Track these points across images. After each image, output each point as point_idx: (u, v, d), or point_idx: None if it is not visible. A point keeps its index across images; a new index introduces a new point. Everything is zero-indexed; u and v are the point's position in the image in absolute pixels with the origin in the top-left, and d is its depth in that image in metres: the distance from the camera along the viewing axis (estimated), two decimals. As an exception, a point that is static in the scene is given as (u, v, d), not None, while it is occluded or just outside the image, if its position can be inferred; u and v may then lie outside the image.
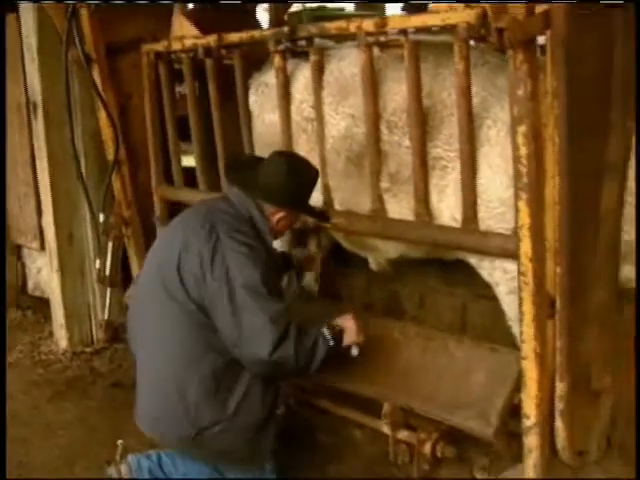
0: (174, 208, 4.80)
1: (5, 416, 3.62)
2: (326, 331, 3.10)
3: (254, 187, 3.27)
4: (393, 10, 8.95)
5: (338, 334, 3.13)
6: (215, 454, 3.20)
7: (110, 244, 4.84)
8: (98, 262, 4.92)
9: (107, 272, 4.87)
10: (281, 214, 3.29)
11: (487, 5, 2.69)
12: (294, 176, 3.26)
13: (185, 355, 3.11)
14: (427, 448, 3.34)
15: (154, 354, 3.22)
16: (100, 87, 4.49)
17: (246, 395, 3.11)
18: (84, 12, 4.28)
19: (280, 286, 3.28)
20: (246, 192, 3.28)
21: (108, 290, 4.95)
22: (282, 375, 3.21)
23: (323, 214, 3.59)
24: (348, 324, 3.19)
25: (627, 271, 3.11)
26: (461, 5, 2.87)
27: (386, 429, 3.42)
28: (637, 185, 2.98)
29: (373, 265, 4.13)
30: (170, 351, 3.14)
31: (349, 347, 3.18)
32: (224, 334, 3.05)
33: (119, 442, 3.35)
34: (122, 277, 5.00)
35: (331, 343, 3.07)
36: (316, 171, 3.44)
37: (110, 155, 4.69)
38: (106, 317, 5.02)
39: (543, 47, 2.73)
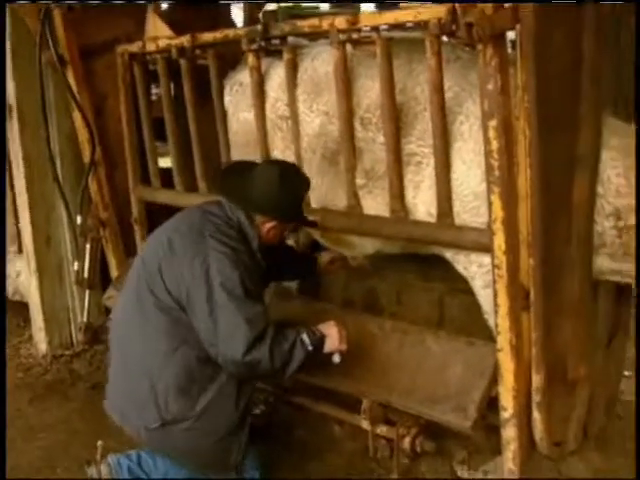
0: (151, 209, 4.81)
1: (5, 416, 3.61)
2: (305, 336, 3.08)
3: (244, 197, 3.25)
4: (368, 8, 8.98)
5: (319, 340, 3.12)
6: (180, 453, 3.19)
7: (88, 246, 4.84)
8: (76, 264, 4.92)
9: (85, 274, 4.87)
10: (271, 224, 3.29)
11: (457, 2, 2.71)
12: (284, 187, 3.24)
13: (160, 349, 3.11)
14: (406, 443, 3.37)
15: (130, 347, 3.23)
16: (75, 89, 4.49)
17: (218, 397, 3.11)
18: (57, 14, 4.28)
19: (261, 290, 3.27)
20: (236, 203, 3.28)
21: (87, 292, 4.95)
22: (257, 376, 3.22)
23: (313, 222, 3.57)
24: (331, 331, 3.18)
25: (599, 263, 3.14)
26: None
27: (365, 425, 3.44)
28: (637, 183, 3.02)
29: (351, 261, 4.15)
30: (146, 344, 3.15)
31: (330, 354, 3.19)
32: (201, 333, 3.06)
33: (99, 443, 3.34)
34: (100, 279, 5.00)
35: (309, 348, 3.06)
36: (307, 181, 3.40)
37: (86, 157, 4.68)
38: (85, 319, 5.02)
39: (513, 42, 2.76)
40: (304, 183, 3.38)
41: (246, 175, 3.30)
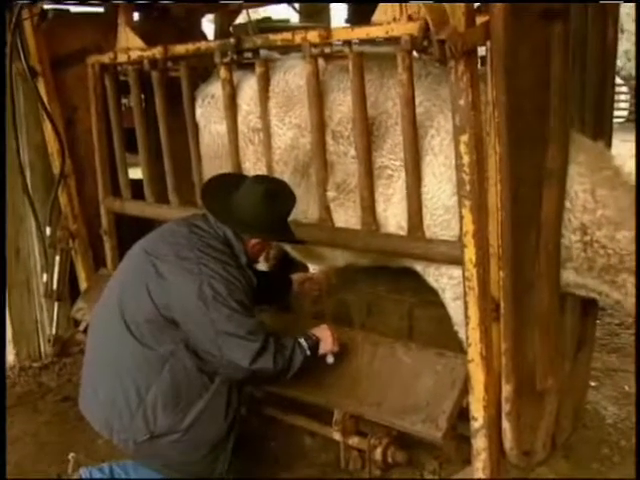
0: (121, 221, 4.80)
1: (5, 416, 3.56)
2: (303, 341, 3.22)
3: (229, 216, 3.26)
4: (338, 22, 9.05)
5: (315, 344, 3.26)
6: (168, 465, 3.20)
7: (57, 258, 4.82)
8: (45, 276, 4.88)
9: (54, 286, 4.84)
10: (256, 240, 3.32)
11: (429, 17, 2.74)
12: (269, 206, 3.25)
13: (147, 362, 3.11)
14: (378, 454, 3.37)
15: (113, 359, 3.20)
16: (45, 100, 4.46)
17: (207, 409, 3.13)
18: (28, 24, 4.26)
19: (252, 303, 3.29)
20: (221, 221, 3.28)
21: (56, 304, 4.92)
22: (259, 381, 3.34)
23: (300, 240, 3.56)
24: (324, 334, 3.32)
25: (565, 276, 3.20)
26: (404, 17, 2.92)
27: (337, 436, 3.45)
28: (637, 184, 3.08)
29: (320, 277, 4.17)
30: (132, 358, 3.13)
31: (324, 355, 3.32)
32: (201, 345, 3.11)
33: (70, 455, 3.32)
34: (69, 291, 4.97)
35: (307, 353, 3.20)
36: (293, 198, 3.39)
37: (56, 168, 4.66)
38: (54, 332, 4.98)
39: (483, 58, 2.81)
40: (289, 201, 3.38)
41: (232, 192, 3.31)
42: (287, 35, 3.46)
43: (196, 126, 4.15)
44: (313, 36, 3.32)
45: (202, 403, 3.13)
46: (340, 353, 3.37)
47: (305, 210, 3.76)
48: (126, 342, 3.15)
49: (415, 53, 3.07)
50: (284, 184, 3.46)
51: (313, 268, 4.37)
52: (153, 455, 3.17)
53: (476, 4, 2.80)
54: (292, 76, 3.83)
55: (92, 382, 3.32)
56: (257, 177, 3.53)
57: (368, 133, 3.36)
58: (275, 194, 3.29)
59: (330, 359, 3.35)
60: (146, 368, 3.11)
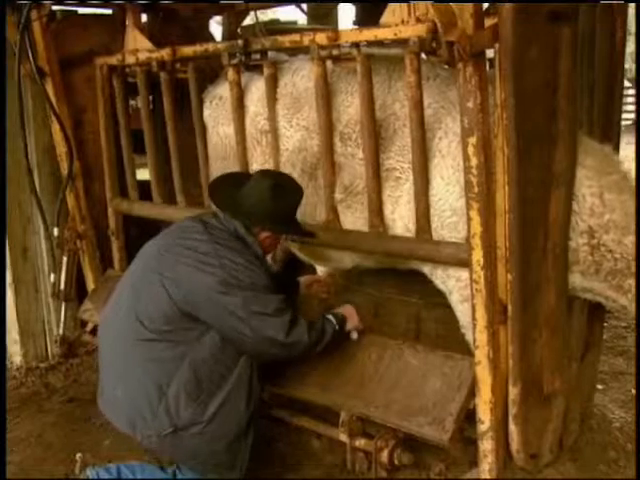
0: (128, 222, 4.81)
1: (5, 417, 3.57)
2: (330, 316, 3.36)
3: (237, 209, 3.30)
4: (346, 24, 9.05)
5: (342, 319, 3.40)
6: (192, 457, 3.21)
7: (64, 258, 4.83)
8: (52, 276, 4.90)
9: (62, 286, 4.86)
10: (266, 233, 3.33)
11: (437, 19, 2.75)
12: (277, 199, 3.28)
13: (166, 356, 3.13)
14: (384, 456, 3.36)
15: (130, 356, 3.21)
16: (54, 101, 4.48)
17: (228, 400, 3.16)
18: (37, 25, 4.27)
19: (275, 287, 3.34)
20: (230, 214, 3.31)
21: (63, 305, 4.93)
22: (293, 355, 3.31)
23: (309, 233, 3.59)
24: (349, 311, 3.47)
25: (571, 279, 3.19)
26: (412, 19, 2.92)
27: (343, 438, 3.44)
28: (637, 185, 3.07)
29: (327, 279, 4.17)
30: (150, 353, 3.15)
31: (348, 332, 3.46)
32: (232, 332, 3.13)
33: (78, 455, 3.32)
34: (76, 291, 4.98)
35: (336, 327, 3.33)
36: (300, 191, 3.43)
37: (64, 169, 4.67)
38: (61, 332, 4.99)
39: (491, 60, 2.81)
40: (297, 193, 3.41)
41: (239, 187, 3.35)
42: (295, 37, 3.47)
43: (204, 127, 4.16)
44: (321, 38, 3.32)
45: (223, 393, 3.15)
46: (363, 331, 3.50)
47: (312, 212, 3.76)
48: (142, 339, 3.16)
49: (423, 55, 3.07)
50: (291, 178, 3.50)
51: (320, 270, 4.37)
52: (177, 448, 3.18)
53: (485, 5, 2.81)
54: (300, 78, 3.83)
55: (110, 381, 3.32)
56: (263, 171, 3.55)
57: (376, 135, 3.37)
58: (282, 186, 3.33)
59: (354, 335, 3.48)
60: (165, 363, 3.12)
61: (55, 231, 4.79)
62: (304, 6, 7.71)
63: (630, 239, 3.05)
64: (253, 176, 3.42)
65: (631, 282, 3.09)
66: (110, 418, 3.33)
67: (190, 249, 3.20)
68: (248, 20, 6.17)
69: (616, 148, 3.51)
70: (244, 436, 3.24)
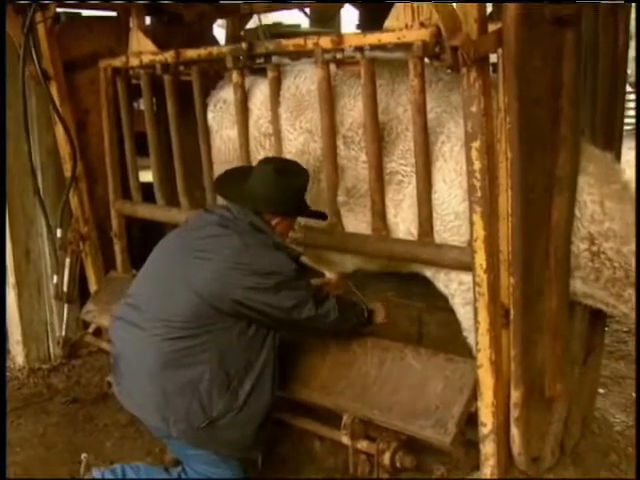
0: (131, 224, 4.82)
1: (5, 417, 3.57)
2: (362, 304, 3.47)
3: (244, 198, 3.31)
4: (349, 28, 9.05)
5: (369, 311, 3.48)
6: (223, 445, 3.24)
7: (67, 260, 4.84)
8: (55, 278, 4.90)
9: (64, 288, 4.86)
10: (277, 219, 3.34)
11: (441, 24, 2.76)
12: (282, 182, 3.28)
13: (193, 352, 3.14)
14: (386, 458, 3.36)
15: (152, 357, 3.18)
16: (57, 103, 4.49)
17: (255, 386, 3.20)
18: (42, 27, 4.29)
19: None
20: (239, 204, 3.32)
21: (65, 306, 4.94)
22: (324, 330, 3.42)
23: (319, 213, 3.59)
24: (378, 306, 3.53)
25: (572, 285, 3.20)
26: (416, 24, 2.93)
27: (345, 440, 3.44)
28: (637, 187, 3.08)
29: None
30: (174, 352, 3.14)
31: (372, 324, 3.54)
32: (261, 315, 3.16)
33: (83, 456, 3.33)
34: (79, 293, 4.99)
35: (365, 314, 3.45)
36: (306, 174, 3.44)
37: (67, 171, 4.69)
38: (64, 333, 5.00)
39: (494, 65, 2.82)
40: (301, 175, 3.41)
41: (244, 178, 3.36)
42: (299, 40, 3.48)
43: (207, 130, 4.17)
44: (325, 42, 3.33)
45: (252, 379, 3.19)
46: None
47: (315, 215, 3.76)
48: (166, 337, 3.14)
49: (426, 59, 3.08)
50: (294, 162, 3.51)
51: (329, 274, 4.36)
52: (212, 438, 3.19)
53: (488, 10, 2.82)
54: (303, 81, 3.84)
55: (138, 379, 3.27)
56: (266, 158, 3.59)
57: (379, 138, 3.38)
58: (285, 169, 3.34)
59: None
60: (195, 357, 3.13)
61: (58, 233, 4.79)
62: (307, 10, 7.74)
63: (629, 249, 3.06)
64: (257, 164, 3.45)
65: (631, 292, 3.10)
66: (140, 416, 3.33)
67: (213, 245, 3.21)
68: (251, 23, 6.17)
69: (618, 155, 3.51)
70: (268, 419, 3.30)
